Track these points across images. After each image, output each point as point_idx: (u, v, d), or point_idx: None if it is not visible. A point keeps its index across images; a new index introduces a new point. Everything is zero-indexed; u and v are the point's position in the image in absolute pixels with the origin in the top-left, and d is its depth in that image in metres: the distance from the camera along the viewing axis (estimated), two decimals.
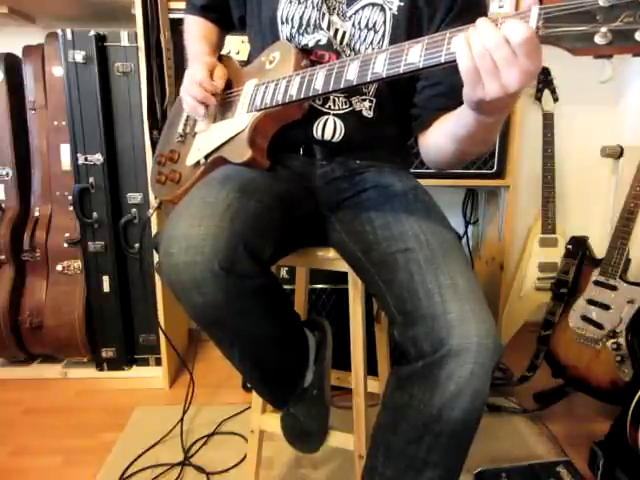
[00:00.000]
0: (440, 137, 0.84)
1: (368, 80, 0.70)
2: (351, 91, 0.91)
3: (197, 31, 1.08)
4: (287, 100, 0.82)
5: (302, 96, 0.80)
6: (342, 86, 0.74)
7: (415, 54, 0.63)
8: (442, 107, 0.83)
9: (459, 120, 0.74)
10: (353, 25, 0.90)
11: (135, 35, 1.51)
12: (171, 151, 1.05)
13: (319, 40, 0.91)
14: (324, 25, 0.90)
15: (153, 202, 1.16)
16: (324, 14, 0.90)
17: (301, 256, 0.96)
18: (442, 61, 0.60)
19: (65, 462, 1.34)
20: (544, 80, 1.88)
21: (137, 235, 1.67)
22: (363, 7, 0.89)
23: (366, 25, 0.89)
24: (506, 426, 1.50)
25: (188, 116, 1.06)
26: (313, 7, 0.90)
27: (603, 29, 0.49)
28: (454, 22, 0.83)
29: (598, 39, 0.50)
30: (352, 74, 0.72)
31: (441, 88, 0.86)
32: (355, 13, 0.90)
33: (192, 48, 1.06)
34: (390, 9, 0.88)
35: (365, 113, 0.92)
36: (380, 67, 0.68)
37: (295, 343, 0.95)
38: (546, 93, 1.87)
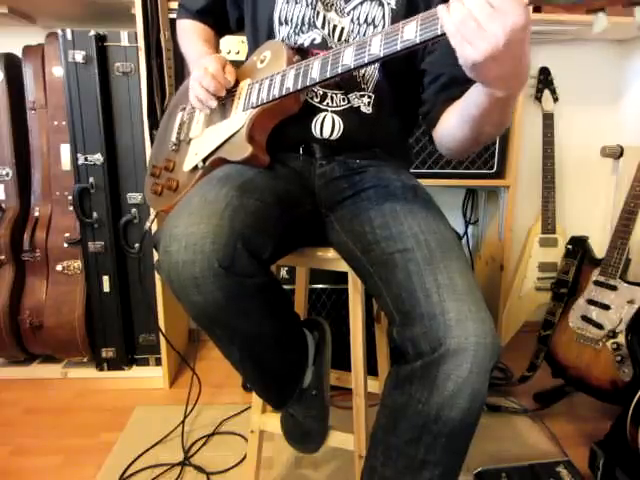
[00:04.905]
0: (452, 122, 0.81)
1: (366, 62, 0.70)
2: (349, 87, 0.91)
3: (196, 34, 1.08)
4: (284, 93, 0.82)
5: (299, 87, 0.80)
6: (340, 71, 0.73)
7: (411, 31, 0.64)
8: (446, 98, 0.83)
9: (469, 99, 0.73)
10: (352, 21, 0.90)
11: (135, 35, 1.51)
12: (166, 160, 1.04)
13: (314, 39, 0.91)
14: (319, 23, 0.90)
15: (152, 214, 1.15)
16: (318, 12, 0.90)
17: (301, 256, 0.96)
18: (439, 33, 0.61)
19: (65, 462, 1.34)
20: (544, 80, 1.88)
21: (137, 235, 1.67)
22: (361, 2, 0.89)
23: (365, 20, 0.89)
24: (506, 426, 1.49)
25: (181, 124, 1.05)
26: (307, 5, 0.90)
27: None
28: None
29: None
30: (348, 59, 0.72)
31: (443, 79, 0.85)
32: (354, 9, 0.90)
33: (195, 49, 1.04)
34: (388, 4, 0.88)
35: (364, 109, 0.92)
36: (377, 48, 0.68)
37: (294, 343, 0.95)
38: (546, 93, 1.87)
